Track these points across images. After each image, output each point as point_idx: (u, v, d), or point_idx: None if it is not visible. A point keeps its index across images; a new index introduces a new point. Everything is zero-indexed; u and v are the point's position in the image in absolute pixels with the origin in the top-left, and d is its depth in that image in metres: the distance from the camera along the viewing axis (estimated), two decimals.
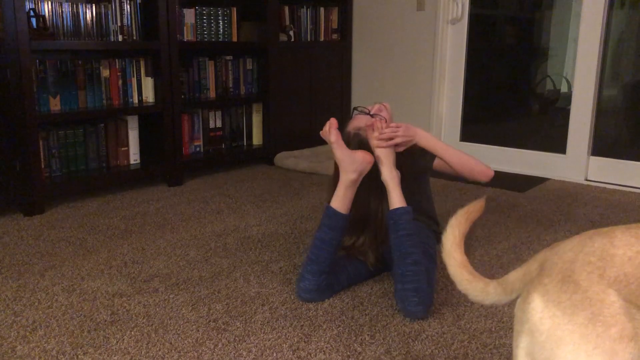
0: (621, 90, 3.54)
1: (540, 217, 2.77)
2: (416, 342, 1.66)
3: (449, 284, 2.00)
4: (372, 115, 2.00)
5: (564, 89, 3.79)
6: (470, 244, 2.43)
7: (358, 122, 2.01)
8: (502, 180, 3.51)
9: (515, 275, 0.97)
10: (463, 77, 3.88)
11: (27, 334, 1.70)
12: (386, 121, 2.00)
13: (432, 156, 2.14)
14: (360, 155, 1.90)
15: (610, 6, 3.28)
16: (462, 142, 3.94)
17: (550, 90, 3.96)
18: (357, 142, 1.97)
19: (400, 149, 2.01)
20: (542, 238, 2.50)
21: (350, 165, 1.89)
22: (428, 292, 1.78)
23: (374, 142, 1.95)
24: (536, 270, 0.92)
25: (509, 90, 4.10)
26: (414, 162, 2.12)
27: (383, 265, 2.06)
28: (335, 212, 1.89)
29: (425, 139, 2.07)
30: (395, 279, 1.84)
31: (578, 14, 3.37)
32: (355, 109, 2.08)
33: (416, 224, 2.01)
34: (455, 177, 2.36)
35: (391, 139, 1.95)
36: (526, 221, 2.72)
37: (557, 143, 3.54)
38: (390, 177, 1.92)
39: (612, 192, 3.22)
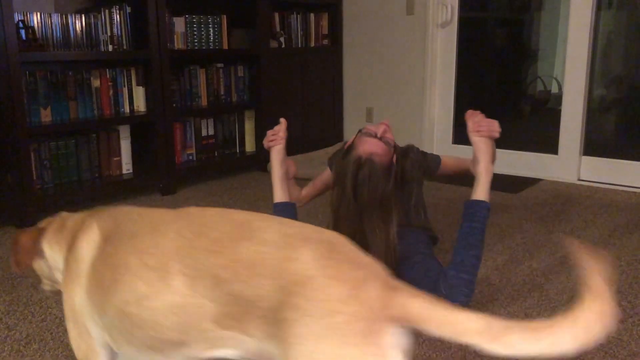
0: (611, 90, 3.57)
1: (534, 218, 2.78)
2: (413, 346, 1.65)
3: None
4: (379, 138, 1.91)
5: (554, 89, 3.81)
6: None
7: (370, 146, 1.88)
8: (495, 181, 3.49)
9: None
10: (454, 79, 3.89)
11: (21, 348, 1.68)
12: (389, 142, 1.93)
13: (436, 160, 2.15)
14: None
15: (598, 7, 3.30)
16: (454, 145, 3.95)
17: (541, 91, 3.98)
18: (369, 168, 1.84)
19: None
20: (536, 239, 2.50)
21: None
22: (473, 288, 1.81)
23: (473, 131, 2.00)
24: None
25: (500, 92, 4.12)
26: (415, 164, 2.08)
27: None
28: (285, 205, 1.97)
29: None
30: (450, 264, 1.81)
31: (567, 15, 3.39)
32: (360, 131, 1.96)
33: (413, 232, 2.02)
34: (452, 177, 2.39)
35: (488, 132, 2.00)
36: (520, 222, 2.72)
37: (549, 144, 3.55)
38: (486, 169, 1.93)
39: (605, 192, 3.23)
